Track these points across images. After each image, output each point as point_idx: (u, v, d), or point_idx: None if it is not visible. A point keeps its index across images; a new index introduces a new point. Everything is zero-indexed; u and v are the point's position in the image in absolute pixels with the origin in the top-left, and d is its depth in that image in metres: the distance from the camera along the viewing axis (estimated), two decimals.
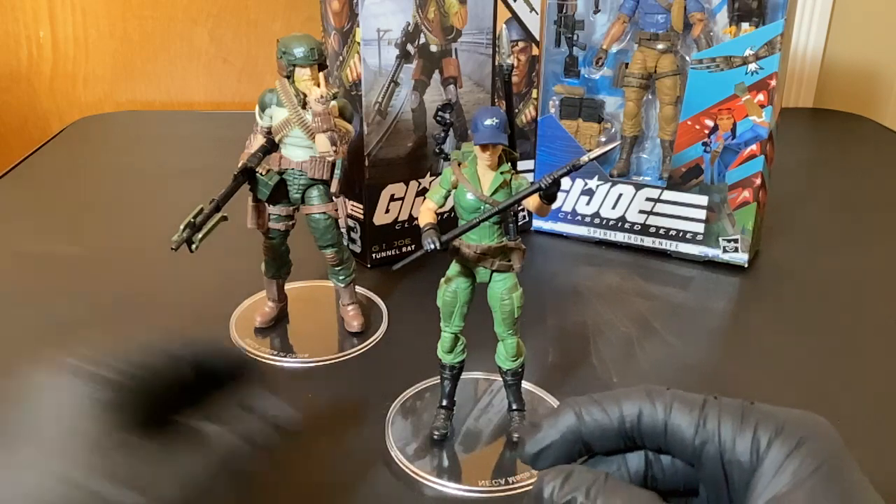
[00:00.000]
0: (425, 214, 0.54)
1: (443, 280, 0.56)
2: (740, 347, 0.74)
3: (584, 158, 0.50)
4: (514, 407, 0.59)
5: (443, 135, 0.57)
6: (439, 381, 0.60)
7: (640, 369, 0.70)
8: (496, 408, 0.63)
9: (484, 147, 0.51)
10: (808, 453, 0.34)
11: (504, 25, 0.64)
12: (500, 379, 0.59)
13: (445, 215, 0.88)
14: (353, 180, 0.82)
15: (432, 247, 0.51)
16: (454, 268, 0.56)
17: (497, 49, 0.81)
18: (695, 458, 0.38)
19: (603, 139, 0.89)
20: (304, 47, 0.64)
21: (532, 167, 0.93)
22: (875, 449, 0.60)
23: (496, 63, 0.75)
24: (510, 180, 0.53)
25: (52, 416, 0.62)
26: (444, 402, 0.60)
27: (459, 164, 0.54)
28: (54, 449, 0.57)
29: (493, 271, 0.55)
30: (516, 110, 0.91)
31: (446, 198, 0.55)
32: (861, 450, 0.60)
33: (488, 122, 0.50)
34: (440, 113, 0.57)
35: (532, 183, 0.52)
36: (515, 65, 0.88)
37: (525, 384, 0.61)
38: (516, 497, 0.54)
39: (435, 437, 0.59)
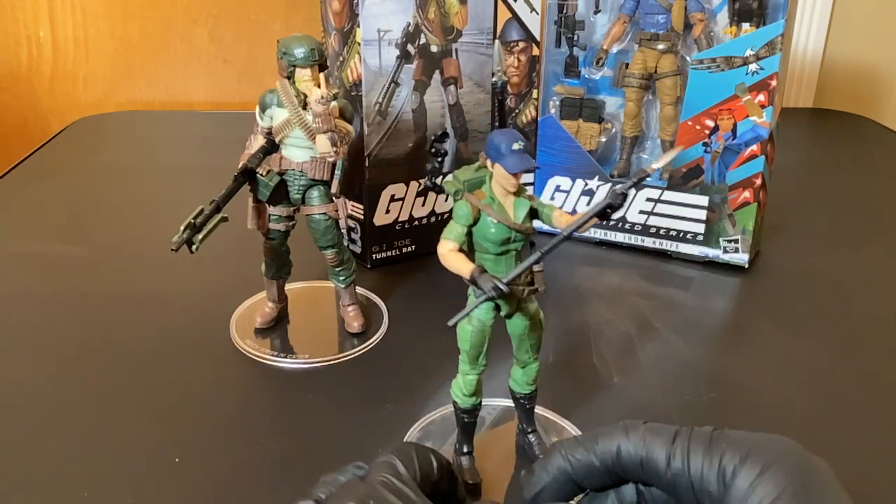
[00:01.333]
0: (459, 259, 0.49)
1: (464, 319, 0.50)
2: (741, 347, 0.74)
3: (653, 166, 0.47)
4: (530, 429, 0.57)
5: (438, 165, 0.53)
6: (457, 425, 0.55)
7: (641, 369, 0.70)
8: (505, 434, 0.61)
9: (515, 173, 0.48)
10: (772, 479, 0.36)
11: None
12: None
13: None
14: (354, 181, 0.82)
15: (495, 293, 0.46)
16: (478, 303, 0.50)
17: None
18: (671, 489, 0.39)
19: (603, 139, 0.89)
20: (304, 48, 0.63)
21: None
22: (875, 447, 0.60)
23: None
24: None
25: (53, 416, 0.62)
26: (466, 448, 0.56)
27: (473, 195, 0.50)
28: (54, 452, 0.58)
29: (520, 299, 0.52)
30: (516, 111, 0.91)
31: (468, 234, 0.50)
32: (861, 448, 0.60)
33: (516, 146, 0.47)
34: (435, 144, 0.54)
35: (621, 189, 0.47)
36: (516, 65, 0.89)
37: None
38: None
39: (470, 486, 0.54)
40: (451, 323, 0.48)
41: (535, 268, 0.50)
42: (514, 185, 0.49)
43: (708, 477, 0.37)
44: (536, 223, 0.51)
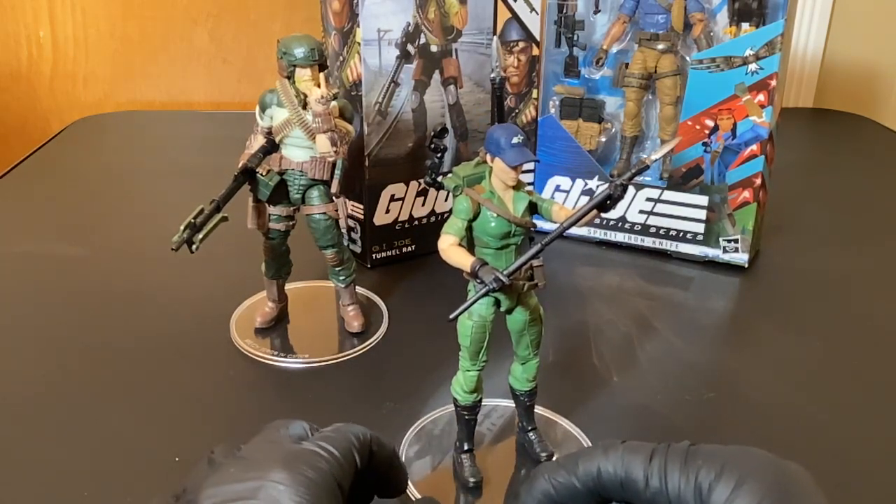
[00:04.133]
0: (460, 253, 0.49)
1: (464, 315, 0.51)
2: (740, 347, 0.74)
3: (652, 157, 0.48)
4: (529, 427, 0.57)
5: (437, 161, 0.54)
6: (457, 422, 0.55)
7: (641, 369, 0.70)
8: (505, 432, 0.61)
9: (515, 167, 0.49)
10: (749, 492, 0.36)
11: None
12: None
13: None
14: (354, 180, 0.82)
15: (496, 285, 0.47)
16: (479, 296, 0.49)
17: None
18: None
19: (603, 139, 0.89)
20: (304, 48, 0.64)
21: (532, 168, 0.93)
22: (875, 446, 0.60)
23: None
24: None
25: (54, 415, 0.62)
26: (467, 446, 0.56)
27: (473, 189, 0.50)
28: (51, 450, 0.57)
29: (520, 294, 0.52)
30: (516, 111, 0.91)
31: (468, 229, 0.50)
32: (860, 447, 0.60)
33: (515, 140, 0.48)
34: (435, 140, 0.53)
35: (620, 180, 0.48)
36: (516, 65, 0.89)
37: None
38: None
39: (471, 485, 0.54)
40: (451, 317, 0.48)
41: (535, 262, 0.50)
42: (513, 179, 0.49)
43: (685, 494, 0.37)
44: (538, 222, 0.51)
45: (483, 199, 0.49)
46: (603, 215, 0.90)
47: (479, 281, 0.48)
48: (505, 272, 0.47)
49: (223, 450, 0.41)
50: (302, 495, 0.35)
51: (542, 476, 0.42)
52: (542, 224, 0.51)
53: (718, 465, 0.37)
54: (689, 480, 0.38)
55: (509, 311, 0.53)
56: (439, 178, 0.53)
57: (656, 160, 0.49)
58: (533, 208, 0.51)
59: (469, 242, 0.51)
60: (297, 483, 0.36)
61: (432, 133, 0.53)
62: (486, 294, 0.48)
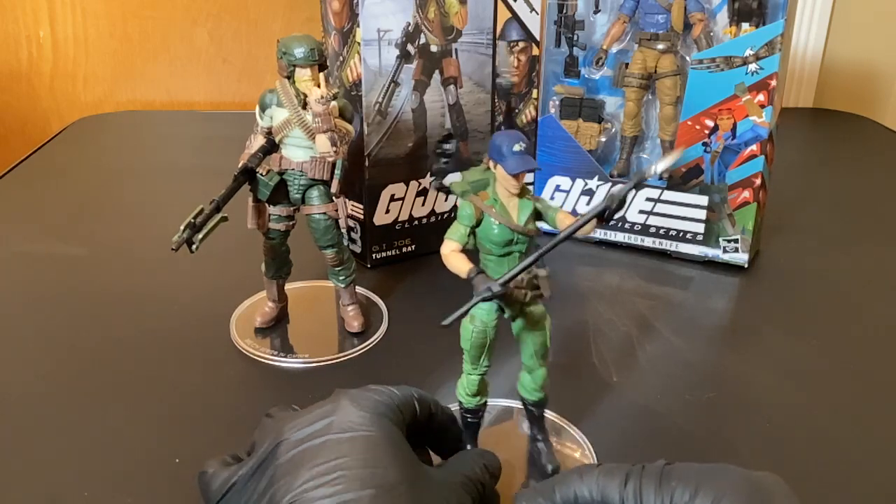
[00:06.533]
0: (459, 259, 0.49)
1: (466, 319, 0.51)
2: (740, 347, 0.74)
3: (654, 169, 0.47)
4: (539, 437, 0.57)
5: (444, 165, 0.53)
6: (461, 424, 0.55)
7: (640, 369, 0.70)
8: (509, 434, 0.61)
9: (517, 175, 0.48)
10: None
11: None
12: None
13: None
14: (354, 180, 0.82)
15: (488, 294, 0.46)
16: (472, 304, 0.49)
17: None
18: None
19: (603, 139, 0.89)
20: (304, 48, 0.64)
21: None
22: (874, 446, 0.60)
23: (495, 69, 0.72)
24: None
25: (53, 417, 0.62)
26: (469, 448, 0.55)
27: (477, 196, 0.50)
28: (50, 454, 0.58)
29: (523, 303, 0.51)
30: (516, 111, 0.91)
31: (470, 235, 0.50)
32: (860, 447, 0.60)
33: (517, 147, 0.47)
34: (442, 145, 0.53)
35: (619, 193, 0.47)
36: (516, 65, 0.89)
37: None
38: None
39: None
40: (444, 323, 0.47)
41: (541, 273, 0.50)
42: (515, 187, 0.49)
43: None
44: (541, 224, 0.51)
45: (485, 206, 0.49)
46: None
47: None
48: (499, 281, 0.47)
49: (281, 408, 0.48)
50: (370, 410, 0.42)
51: (521, 503, 0.43)
52: (539, 224, 0.51)
53: (693, 485, 0.37)
54: (664, 502, 0.38)
55: (513, 319, 0.53)
56: (446, 182, 0.53)
57: (657, 173, 0.48)
58: (539, 216, 0.50)
59: (475, 248, 0.51)
60: (364, 401, 0.43)
61: (438, 140, 0.53)
62: (477, 303, 0.47)
